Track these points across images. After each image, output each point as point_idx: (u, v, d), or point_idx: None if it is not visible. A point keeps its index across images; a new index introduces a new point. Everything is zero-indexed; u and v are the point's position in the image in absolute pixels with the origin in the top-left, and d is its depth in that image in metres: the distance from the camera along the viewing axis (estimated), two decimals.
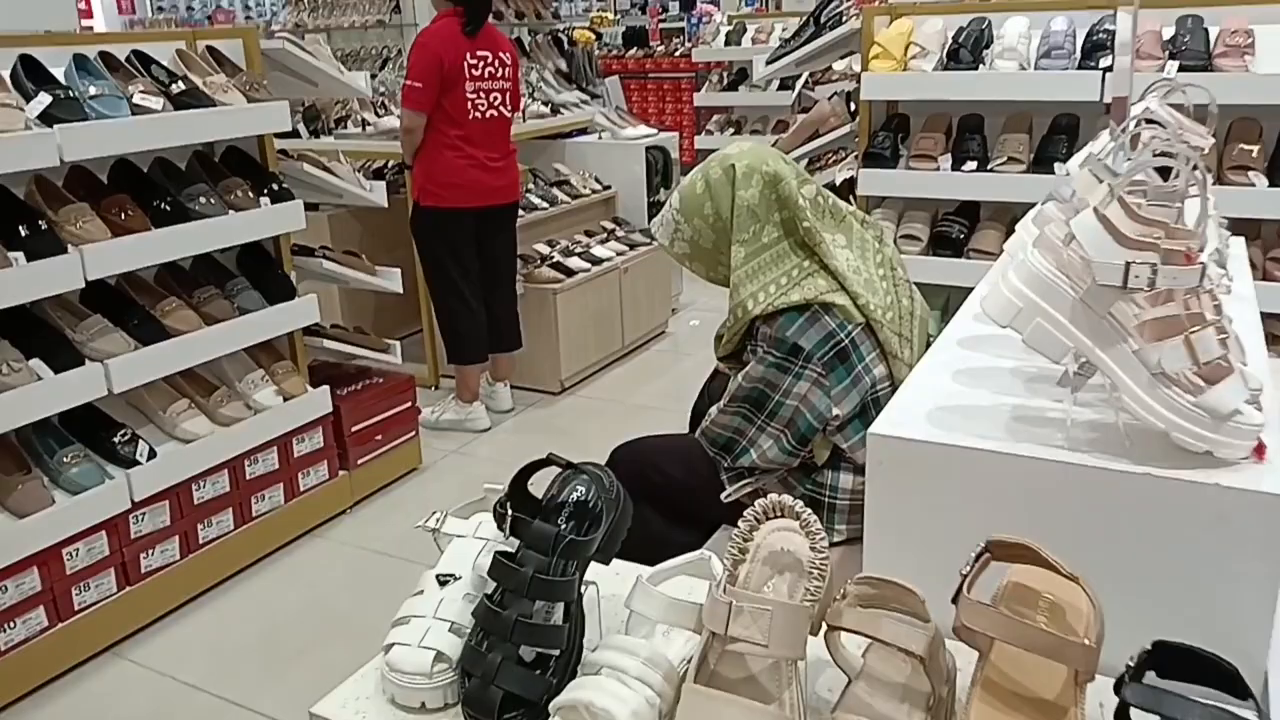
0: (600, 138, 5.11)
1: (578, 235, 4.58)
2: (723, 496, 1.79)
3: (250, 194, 2.82)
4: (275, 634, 2.63)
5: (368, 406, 3.31)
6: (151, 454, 2.61)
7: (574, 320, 4.18)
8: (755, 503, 0.94)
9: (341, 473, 3.23)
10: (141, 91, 2.52)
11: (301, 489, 3.09)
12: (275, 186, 2.89)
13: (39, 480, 2.41)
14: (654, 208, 4.89)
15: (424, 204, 3.59)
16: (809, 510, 0.92)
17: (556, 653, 0.94)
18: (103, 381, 2.46)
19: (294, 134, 4.43)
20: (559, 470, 1.09)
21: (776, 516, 0.94)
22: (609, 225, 4.82)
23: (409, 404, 3.48)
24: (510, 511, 1.01)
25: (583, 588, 1.00)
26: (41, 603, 2.40)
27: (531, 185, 4.68)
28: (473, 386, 3.87)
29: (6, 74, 2.37)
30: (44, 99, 2.31)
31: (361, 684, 1.02)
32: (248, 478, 2.91)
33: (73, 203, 2.45)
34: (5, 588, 2.31)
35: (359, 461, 3.29)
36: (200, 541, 2.80)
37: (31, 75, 2.39)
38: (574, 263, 4.22)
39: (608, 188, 4.93)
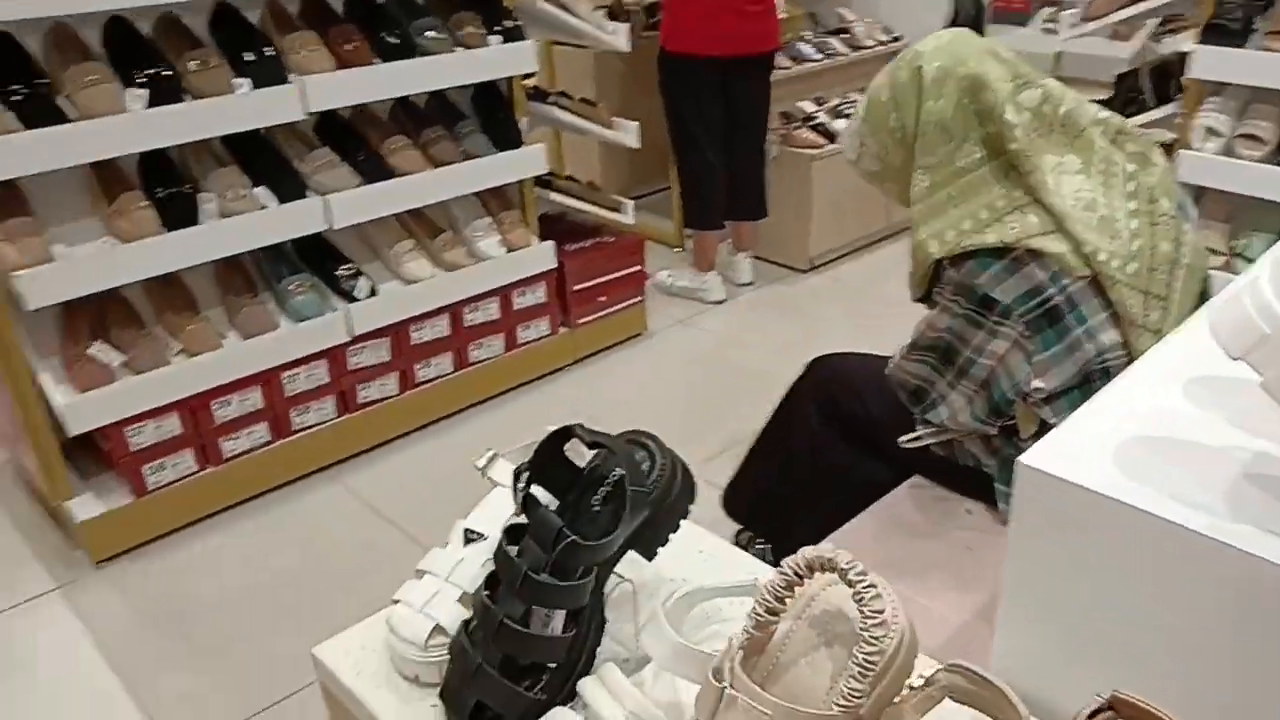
0: None
1: (851, 94, 4.09)
2: (901, 441, 1.47)
3: (482, 30, 2.67)
4: (474, 481, 2.64)
5: (594, 265, 3.19)
6: (372, 292, 2.64)
7: (831, 191, 3.78)
8: (801, 552, 0.67)
9: (563, 330, 3.16)
10: None
11: (520, 341, 3.06)
12: (508, 24, 2.72)
13: (264, 304, 2.50)
14: None
15: (669, 49, 3.31)
16: (869, 574, 0.64)
17: (553, 666, 0.74)
18: (322, 216, 2.47)
19: None
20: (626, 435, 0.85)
21: (828, 570, 0.66)
22: None
23: (637, 267, 3.32)
24: (523, 480, 0.79)
25: (607, 588, 0.77)
26: (265, 419, 2.53)
27: (807, 32, 4.22)
28: (710, 254, 3.64)
29: None
30: None
31: (370, 632, 0.88)
32: (467, 325, 2.90)
33: (302, 30, 2.41)
34: (230, 401, 2.44)
35: (580, 320, 3.20)
36: (417, 380, 2.84)
37: None
38: (840, 125, 3.78)
39: (897, 39, 4.36)
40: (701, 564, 1.00)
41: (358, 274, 2.64)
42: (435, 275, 2.77)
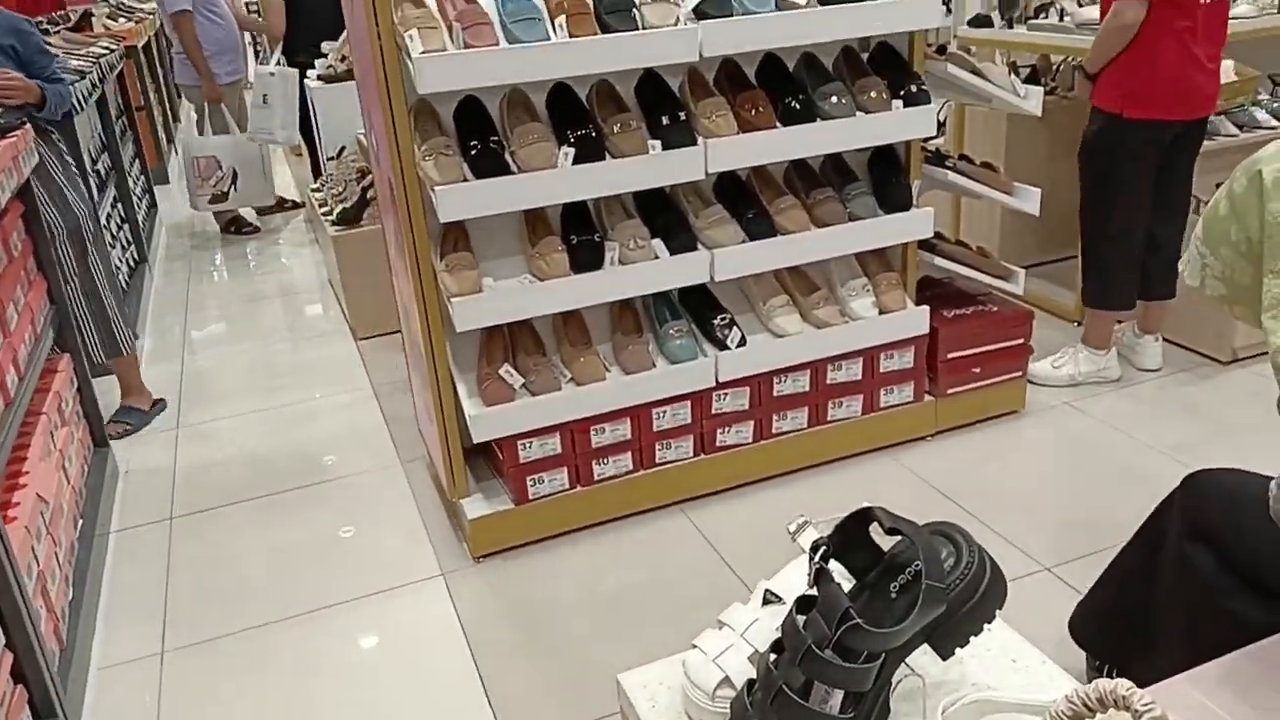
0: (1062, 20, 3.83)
1: None
2: None
3: (885, 95, 2.70)
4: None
5: (972, 334, 3.07)
6: (742, 342, 2.76)
7: None
8: (1096, 683, 0.62)
9: (928, 398, 3.08)
10: None
11: (881, 405, 3.03)
12: (913, 88, 2.73)
13: (646, 344, 2.72)
14: None
15: (1130, 115, 3.01)
16: (1150, 699, 0.58)
17: None
18: (707, 268, 2.64)
19: (987, 23, 4.16)
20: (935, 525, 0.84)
21: (1121, 708, 0.61)
22: None
23: (1021, 340, 3.14)
24: (819, 555, 0.81)
25: (895, 678, 0.77)
26: (630, 449, 2.75)
27: (1263, 95, 3.74)
28: (1109, 334, 3.34)
29: None
30: None
31: (670, 670, 0.95)
32: (829, 382, 2.93)
33: (714, 96, 2.60)
34: (605, 429, 2.69)
35: (949, 390, 3.10)
36: (773, 431, 2.92)
37: None
38: None
39: None
40: (1009, 673, 0.95)
41: (731, 323, 2.78)
42: (804, 331, 2.84)
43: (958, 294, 3.22)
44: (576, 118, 2.49)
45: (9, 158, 2.55)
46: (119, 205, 4.98)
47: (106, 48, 5.17)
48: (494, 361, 2.61)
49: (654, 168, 2.49)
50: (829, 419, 2.98)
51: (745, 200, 2.76)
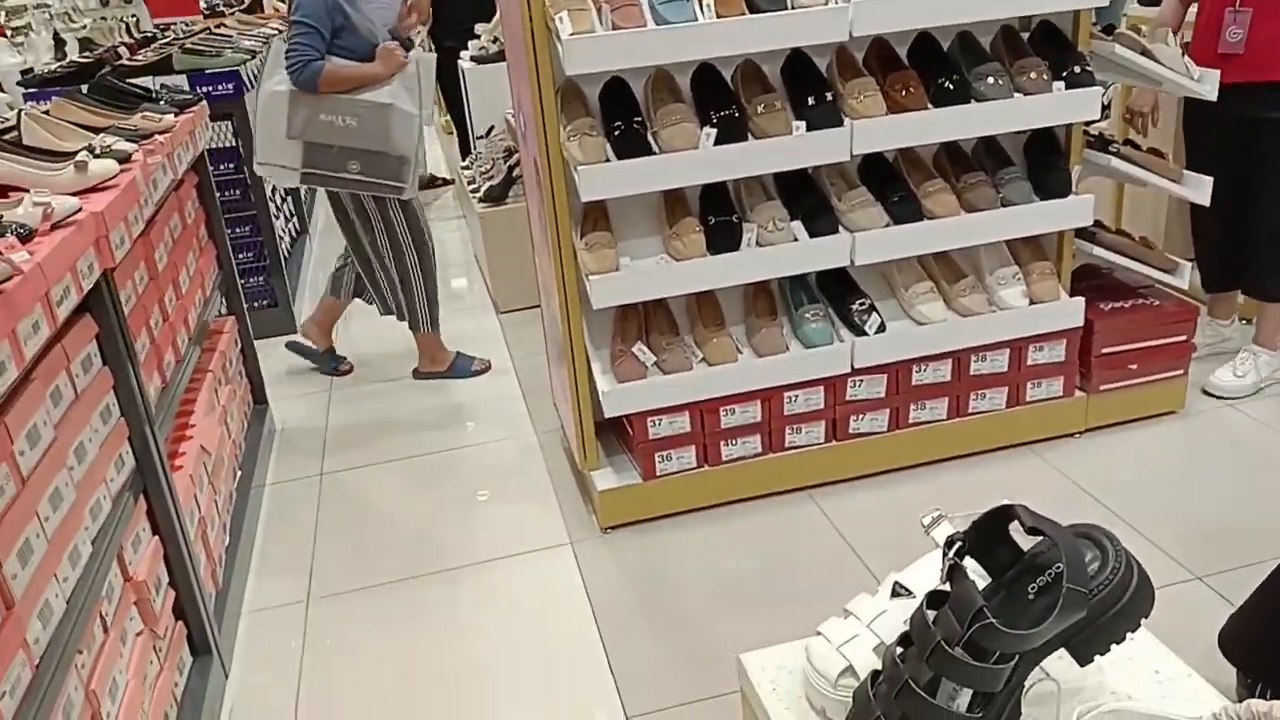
0: None
1: None
2: None
3: (1045, 76, 2.57)
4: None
5: (1130, 330, 2.90)
6: (880, 328, 2.70)
7: None
8: (1247, 703, 0.58)
9: (1079, 393, 2.94)
10: None
11: (1028, 398, 2.91)
12: (1077, 69, 2.59)
13: (780, 327, 2.69)
14: None
15: None
16: None
17: None
18: (847, 252, 2.58)
19: (1159, 1, 3.89)
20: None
21: None
22: None
23: (1183, 337, 2.95)
24: (954, 550, 0.78)
25: (1029, 681, 0.74)
26: (760, 432, 2.73)
27: None
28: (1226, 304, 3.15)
29: None
30: None
31: (792, 654, 0.94)
32: (971, 372, 2.83)
33: (863, 76, 2.54)
34: (734, 411, 2.68)
35: (1102, 387, 2.94)
36: (910, 420, 2.85)
37: None
38: None
39: None
40: (1151, 684, 0.90)
41: (871, 309, 2.72)
42: (947, 319, 2.75)
43: (1117, 286, 3.04)
44: (721, 98, 2.48)
45: (185, 132, 2.73)
46: None
47: (276, 29, 5.46)
48: (628, 339, 2.64)
49: (797, 149, 2.46)
50: (970, 411, 2.88)
51: (892, 183, 2.68)
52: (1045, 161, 2.75)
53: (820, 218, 2.60)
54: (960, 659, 0.75)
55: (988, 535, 0.84)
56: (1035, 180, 2.72)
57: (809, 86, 2.50)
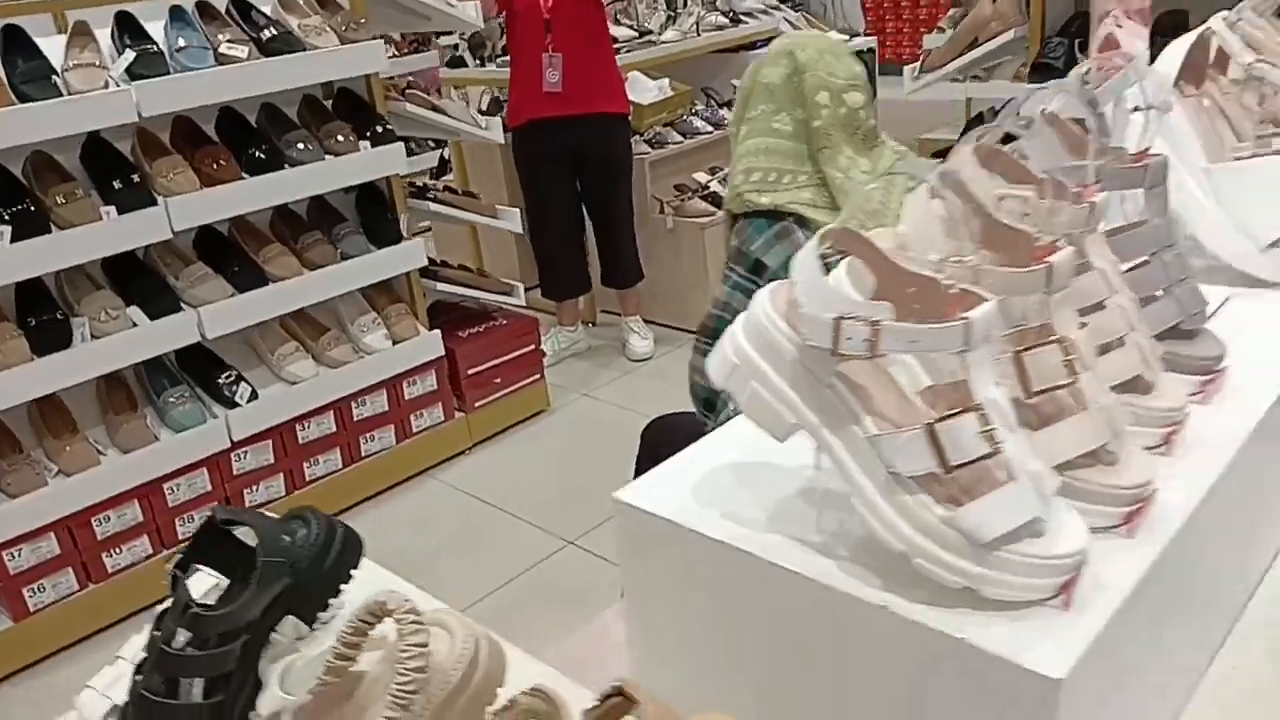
0: None
1: None
2: None
3: (352, 137, 2.81)
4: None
5: (486, 349, 3.29)
6: (253, 396, 2.72)
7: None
8: (374, 597, 0.75)
9: (459, 414, 3.25)
10: (229, 41, 2.55)
11: (414, 430, 3.14)
12: (379, 129, 2.87)
13: (143, 419, 2.58)
14: None
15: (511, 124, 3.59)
16: (416, 613, 0.71)
17: None
18: (195, 328, 2.56)
19: (460, 63, 4.45)
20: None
21: (384, 615, 0.75)
22: None
23: (531, 346, 3.42)
24: (173, 564, 0.88)
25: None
26: (145, 532, 2.58)
27: (699, 105, 4.41)
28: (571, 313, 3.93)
29: (105, 32, 2.48)
30: (129, 56, 2.39)
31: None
32: (355, 419, 2.98)
33: (169, 154, 2.54)
34: (109, 517, 2.50)
35: (477, 404, 3.29)
36: (307, 479, 2.91)
37: (127, 31, 2.49)
38: None
39: None
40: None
41: (238, 379, 2.73)
42: (319, 373, 2.86)
43: (470, 314, 3.42)
44: (11, 194, 2.30)
45: None
46: None
47: None
48: None
49: (112, 234, 2.38)
50: (363, 455, 3.03)
51: (230, 254, 2.72)
52: (375, 214, 3.00)
53: (161, 299, 2.54)
54: (179, 653, 0.83)
55: (209, 544, 0.92)
56: (369, 232, 2.95)
57: (113, 170, 2.43)
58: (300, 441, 2.86)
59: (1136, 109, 1.00)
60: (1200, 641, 0.90)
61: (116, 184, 2.41)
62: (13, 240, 2.24)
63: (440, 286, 3.22)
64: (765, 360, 0.72)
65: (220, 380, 2.70)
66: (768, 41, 4.72)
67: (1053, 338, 0.72)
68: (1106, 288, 0.80)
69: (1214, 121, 1.16)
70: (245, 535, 0.97)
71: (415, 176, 3.94)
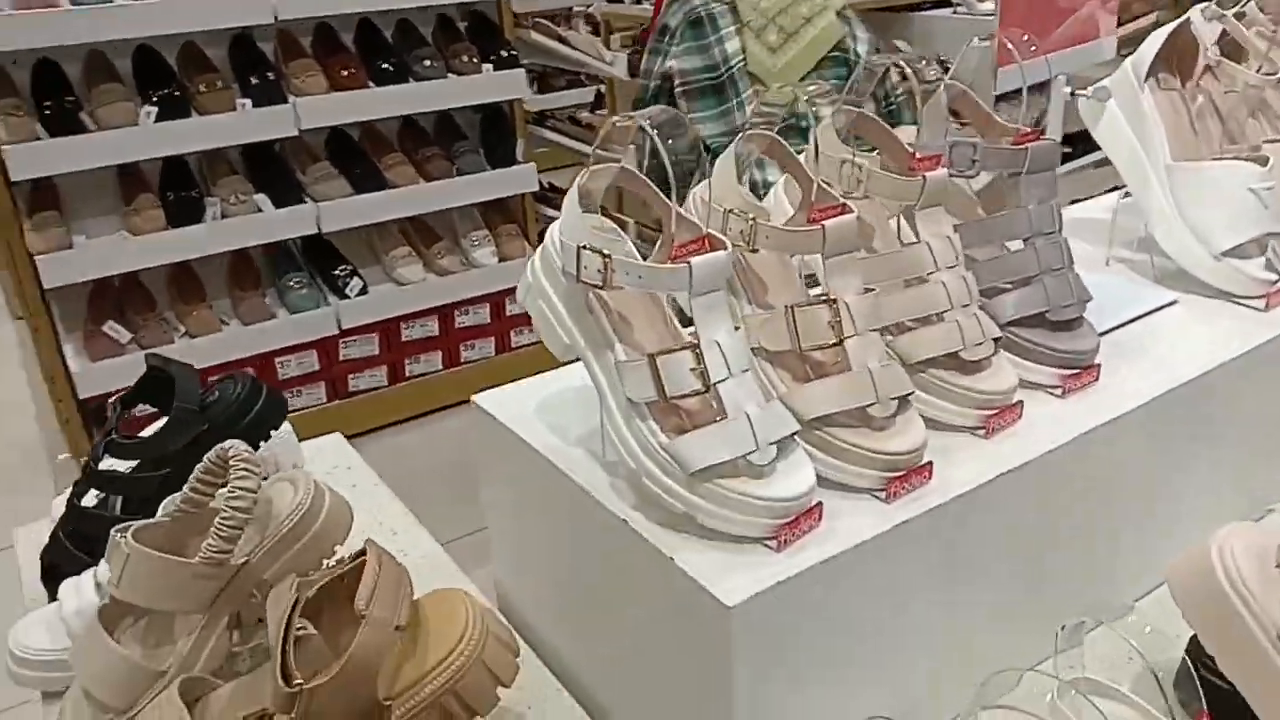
0: (955, 11, 4.48)
1: None
2: None
3: (476, 60, 2.95)
4: (454, 471, 2.91)
5: None
6: (363, 290, 2.95)
7: None
8: (216, 449, 0.86)
9: None
10: None
11: (513, 345, 3.30)
12: (504, 54, 2.99)
13: (264, 297, 2.85)
14: None
15: None
16: (249, 463, 0.82)
17: None
18: (314, 221, 2.80)
19: None
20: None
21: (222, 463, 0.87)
22: None
23: None
24: (113, 413, 1.03)
25: None
26: None
27: None
28: None
29: None
30: None
31: None
32: (457, 326, 3.17)
33: (306, 58, 2.76)
34: None
35: None
36: (407, 374, 3.13)
37: None
38: None
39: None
40: None
41: (353, 273, 2.96)
42: (426, 279, 3.06)
43: None
44: (162, 79, 2.58)
45: None
46: None
47: None
48: (99, 319, 2.66)
49: (242, 125, 2.62)
50: (464, 360, 3.23)
51: (355, 158, 2.94)
52: (495, 136, 3.14)
53: (286, 190, 2.79)
54: (104, 472, 0.99)
55: (155, 388, 1.08)
56: (488, 152, 3.10)
57: (252, 68, 2.67)
58: (403, 339, 3.09)
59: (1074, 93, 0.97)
60: (965, 623, 0.87)
61: (254, 80, 2.65)
62: (157, 120, 2.51)
63: (552, 213, 3.34)
64: (548, 282, 0.78)
65: (336, 272, 2.94)
66: (944, 3, 4.52)
67: (824, 298, 0.74)
68: (931, 262, 0.80)
69: (1202, 119, 1.09)
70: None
71: (576, 110, 4.08)
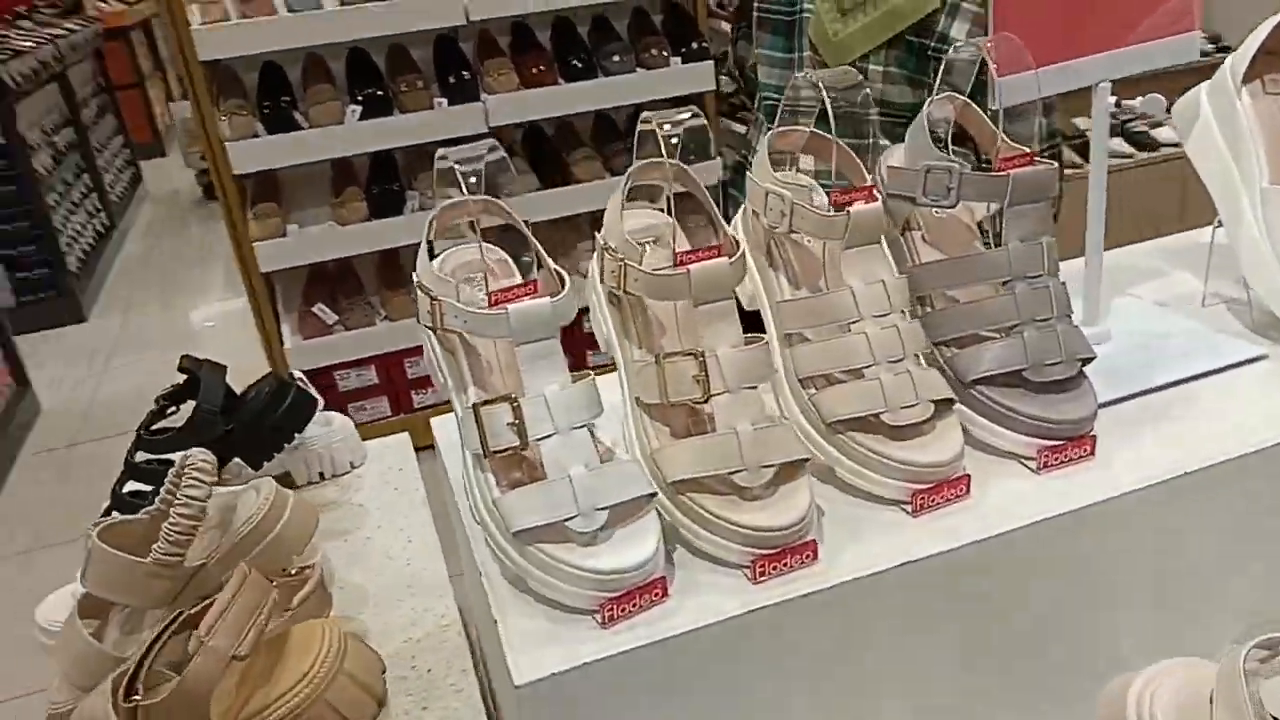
0: None
1: None
2: None
3: (666, 53, 2.93)
4: None
5: None
6: None
7: None
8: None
9: None
10: None
11: None
12: (695, 45, 2.95)
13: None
14: None
15: None
16: (202, 472, 0.86)
17: None
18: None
19: None
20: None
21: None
22: None
23: None
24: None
25: None
26: (384, 394, 3.04)
27: None
28: None
29: None
30: None
31: None
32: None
33: (501, 56, 2.87)
34: (418, 363, 2.99)
35: None
36: (589, 364, 3.19)
37: None
38: None
39: None
40: None
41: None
42: None
43: None
44: (370, 79, 2.78)
45: None
46: (84, 176, 5.42)
47: (69, 29, 5.59)
48: (311, 301, 2.93)
49: (436, 122, 2.77)
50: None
51: (544, 152, 3.02)
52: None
53: None
54: (136, 465, 1.08)
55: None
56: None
57: (451, 67, 2.82)
58: (585, 330, 3.14)
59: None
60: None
61: (451, 79, 2.79)
62: (361, 118, 2.71)
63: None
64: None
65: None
66: None
67: (689, 351, 0.66)
68: (853, 310, 0.69)
69: None
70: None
71: None
